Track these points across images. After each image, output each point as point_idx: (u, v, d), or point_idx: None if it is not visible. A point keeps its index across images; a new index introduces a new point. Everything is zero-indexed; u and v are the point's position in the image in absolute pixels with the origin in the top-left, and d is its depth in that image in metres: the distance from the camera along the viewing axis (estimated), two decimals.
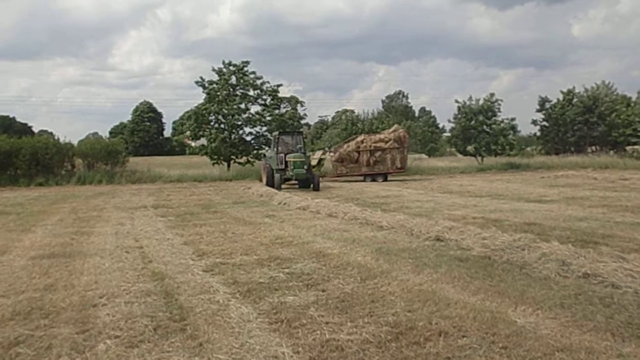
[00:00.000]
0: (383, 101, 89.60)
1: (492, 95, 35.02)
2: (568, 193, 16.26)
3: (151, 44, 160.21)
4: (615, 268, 5.70)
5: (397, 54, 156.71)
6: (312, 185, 20.92)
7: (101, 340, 4.23)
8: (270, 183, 21.33)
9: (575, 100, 39.39)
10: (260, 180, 25.37)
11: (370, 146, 26.26)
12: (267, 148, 28.92)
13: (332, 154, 27.76)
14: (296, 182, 22.17)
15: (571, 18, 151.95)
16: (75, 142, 31.42)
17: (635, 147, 38.25)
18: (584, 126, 38.18)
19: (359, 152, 26.36)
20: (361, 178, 26.39)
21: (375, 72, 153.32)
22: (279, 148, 22.09)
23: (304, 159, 21.09)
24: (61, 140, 29.98)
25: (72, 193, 21.66)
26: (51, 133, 57.22)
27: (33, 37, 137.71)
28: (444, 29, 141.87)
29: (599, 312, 4.62)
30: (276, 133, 23.38)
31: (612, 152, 37.44)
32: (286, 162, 21.30)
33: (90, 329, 4.51)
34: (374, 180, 25.76)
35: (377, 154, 26.27)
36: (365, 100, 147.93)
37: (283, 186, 20.93)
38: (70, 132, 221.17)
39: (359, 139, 27.09)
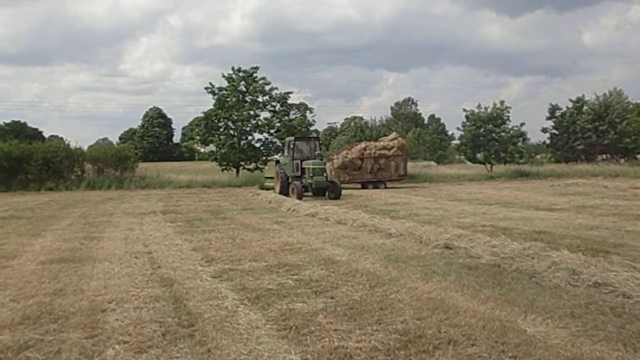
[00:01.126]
0: (392, 108, 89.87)
1: (501, 102, 34.97)
2: (578, 201, 16.14)
3: (162, 51, 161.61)
4: (627, 277, 5.64)
5: (407, 61, 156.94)
6: (328, 194, 19.46)
7: (110, 346, 4.24)
8: (285, 191, 19.81)
9: (585, 108, 39.19)
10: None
11: (374, 153, 26.21)
12: (278, 154, 26.94)
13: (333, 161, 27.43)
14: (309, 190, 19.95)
15: (582, 26, 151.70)
16: (85, 148, 31.84)
17: None
18: (594, 134, 37.93)
19: (362, 159, 26.24)
20: (360, 185, 26.11)
21: (385, 79, 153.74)
22: (294, 154, 20.51)
23: (323, 166, 19.54)
24: (72, 145, 30.34)
25: (82, 198, 21.83)
26: (62, 138, 58.04)
27: (45, 43, 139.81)
28: (454, 36, 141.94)
29: (610, 322, 4.57)
30: (291, 138, 21.53)
31: (622, 160, 37.15)
32: (302, 169, 19.87)
33: (99, 334, 4.53)
34: (376, 187, 25.66)
35: (382, 161, 26.26)
36: (374, 107, 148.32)
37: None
38: (80, 138, 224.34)
39: (362, 146, 26.93)
